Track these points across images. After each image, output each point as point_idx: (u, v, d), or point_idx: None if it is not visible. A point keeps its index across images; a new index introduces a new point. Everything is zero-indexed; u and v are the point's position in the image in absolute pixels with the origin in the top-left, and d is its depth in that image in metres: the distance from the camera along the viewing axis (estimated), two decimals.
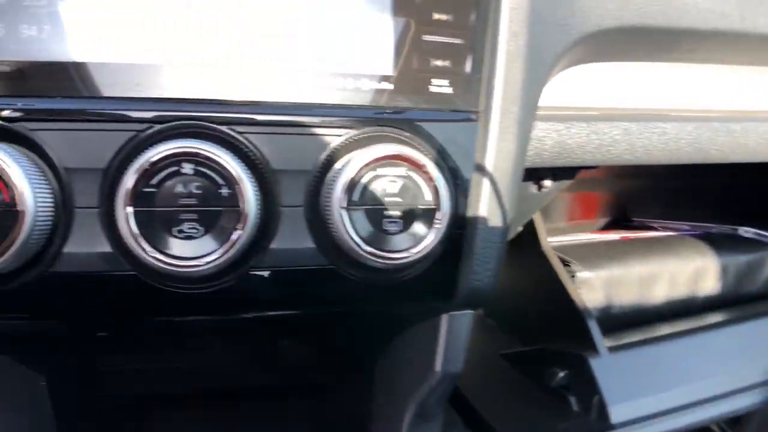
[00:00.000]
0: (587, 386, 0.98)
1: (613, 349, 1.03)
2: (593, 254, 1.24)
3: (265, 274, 0.62)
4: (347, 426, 0.98)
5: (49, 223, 0.57)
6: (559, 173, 0.96)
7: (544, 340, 1.14)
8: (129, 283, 0.60)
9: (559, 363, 1.04)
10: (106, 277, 0.60)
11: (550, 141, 0.83)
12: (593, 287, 1.17)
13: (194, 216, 0.56)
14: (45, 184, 0.56)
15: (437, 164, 0.63)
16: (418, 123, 0.65)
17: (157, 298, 0.61)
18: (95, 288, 0.60)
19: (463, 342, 0.76)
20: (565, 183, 0.99)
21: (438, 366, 0.76)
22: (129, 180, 0.55)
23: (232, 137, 0.59)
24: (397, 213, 0.61)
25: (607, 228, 1.67)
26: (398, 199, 0.61)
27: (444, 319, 0.75)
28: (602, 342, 1.02)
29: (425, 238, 0.62)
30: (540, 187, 0.97)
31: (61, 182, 0.57)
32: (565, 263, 1.16)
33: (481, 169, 0.68)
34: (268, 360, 0.93)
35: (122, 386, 0.98)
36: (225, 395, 1.00)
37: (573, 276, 1.15)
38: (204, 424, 1.02)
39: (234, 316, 0.66)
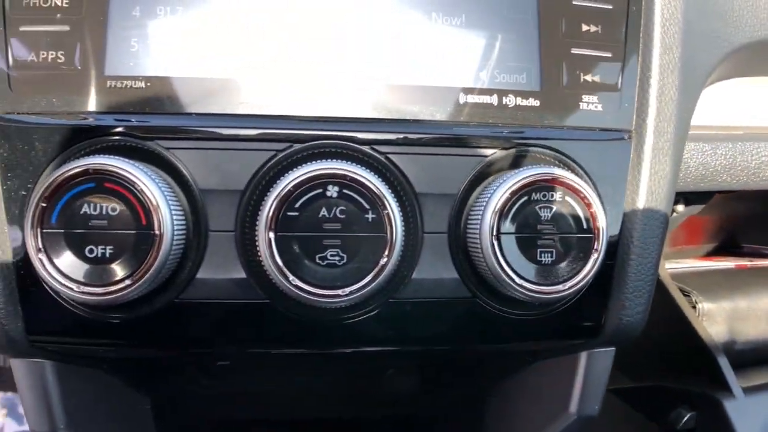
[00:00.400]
0: (721, 431, 0.89)
1: (748, 391, 0.93)
2: (712, 283, 1.14)
3: (404, 305, 0.57)
4: None
5: (182, 247, 0.53)
6: (692, 198, 0.88)
7: (662, 375, 1.05)
8: (261, 312, 0.56)
9: (685, 403, 0.95)
10: (237, 305, 0.56)
11: (695, 163, 0.76)
12: (715, 320, 1.07)
13: (337, 242, 0.52)
14: (178, 206, 0.53)
15: (594, 189, 0.58)
16: (568, 143, 0.59)
17: (288, 328, 0.57)
18: (224, 316, 0.57)
19: (603, 382, 0.69)
20: (697, 208, 0.91)
21: (573, 408, 0.70)
22: (271, 203, 0.51)
23: (375, 158, 0.55)
24: (552, 242, 0.55)
25: (713, 254, 1.55)
26: (553, 227, 0.55)
27: (583, 356, 0.68)
28: (736, 382, 0.93)
29: (582, 269, 0.56)
30: (672, 212, 0.89)
31: (195, 204, 0.54)
32: (685, 293, 1.07)
33: (634, 193, 0.61)
34: (375, 390, 0.88)
35: (221, 410, 0.95)
36: (327, 424, 0.96)
37: (694, 307, 1.06)
38: None
39: (364, 348, 0.61)
